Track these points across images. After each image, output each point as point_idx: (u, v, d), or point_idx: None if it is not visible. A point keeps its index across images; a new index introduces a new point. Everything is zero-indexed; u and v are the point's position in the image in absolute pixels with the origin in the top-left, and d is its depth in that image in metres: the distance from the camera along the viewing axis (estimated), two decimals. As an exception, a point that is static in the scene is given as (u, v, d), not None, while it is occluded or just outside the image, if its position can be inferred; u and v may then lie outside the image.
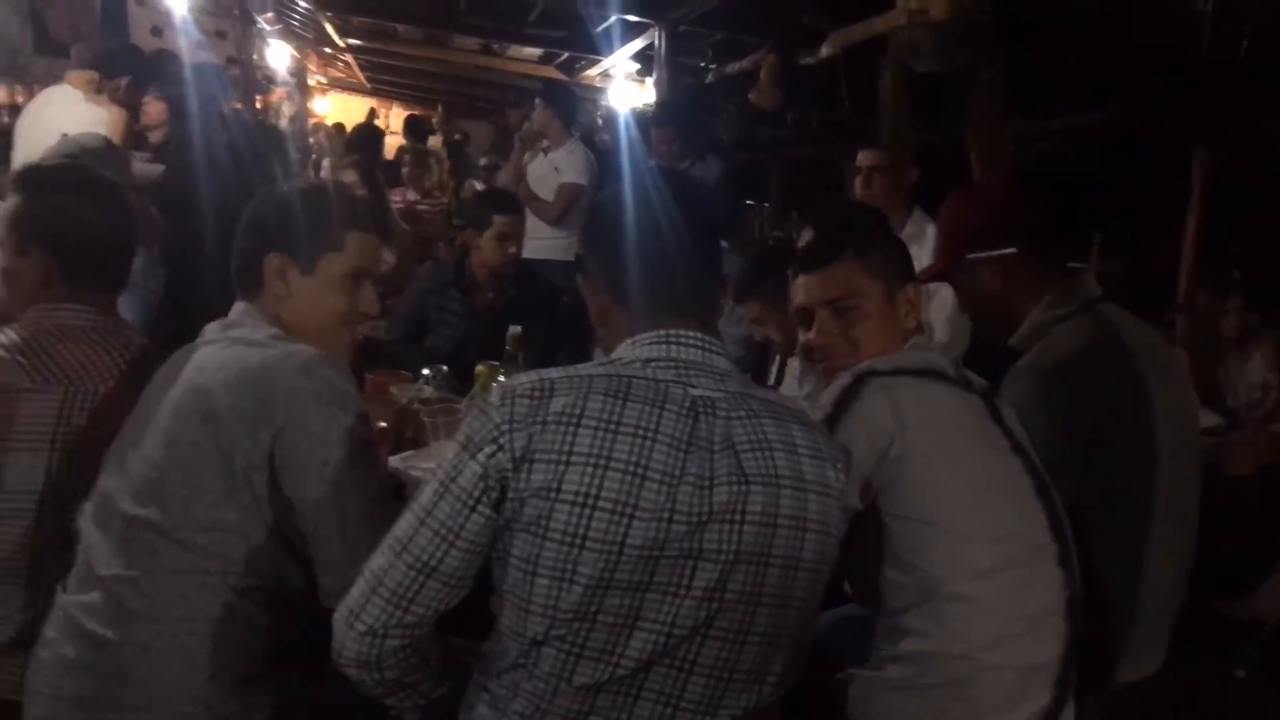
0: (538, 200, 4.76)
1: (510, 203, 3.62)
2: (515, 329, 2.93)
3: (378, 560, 1.28)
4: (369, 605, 1.26)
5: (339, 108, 15.03)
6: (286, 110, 10.74)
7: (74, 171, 1.94)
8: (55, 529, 1.67)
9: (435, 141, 10.85)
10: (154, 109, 5.01)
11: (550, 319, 3.43)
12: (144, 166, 4.58)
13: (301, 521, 1.50)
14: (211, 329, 1.65)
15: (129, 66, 4.27)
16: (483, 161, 9.46)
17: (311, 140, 10.26)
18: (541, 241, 4.63)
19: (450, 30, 8.30)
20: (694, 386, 1.30)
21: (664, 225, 1.36)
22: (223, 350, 1.56)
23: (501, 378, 2.75)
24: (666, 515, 1.22)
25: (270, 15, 9.72)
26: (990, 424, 1.66)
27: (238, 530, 1.48)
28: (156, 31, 8.27)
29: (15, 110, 5.28)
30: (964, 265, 2.07)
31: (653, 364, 1.30)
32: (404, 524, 1.28)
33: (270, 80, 11.10)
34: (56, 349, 1.75)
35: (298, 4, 9.14)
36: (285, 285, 1.64)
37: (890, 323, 1.75)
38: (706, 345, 1.34)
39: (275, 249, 1.64)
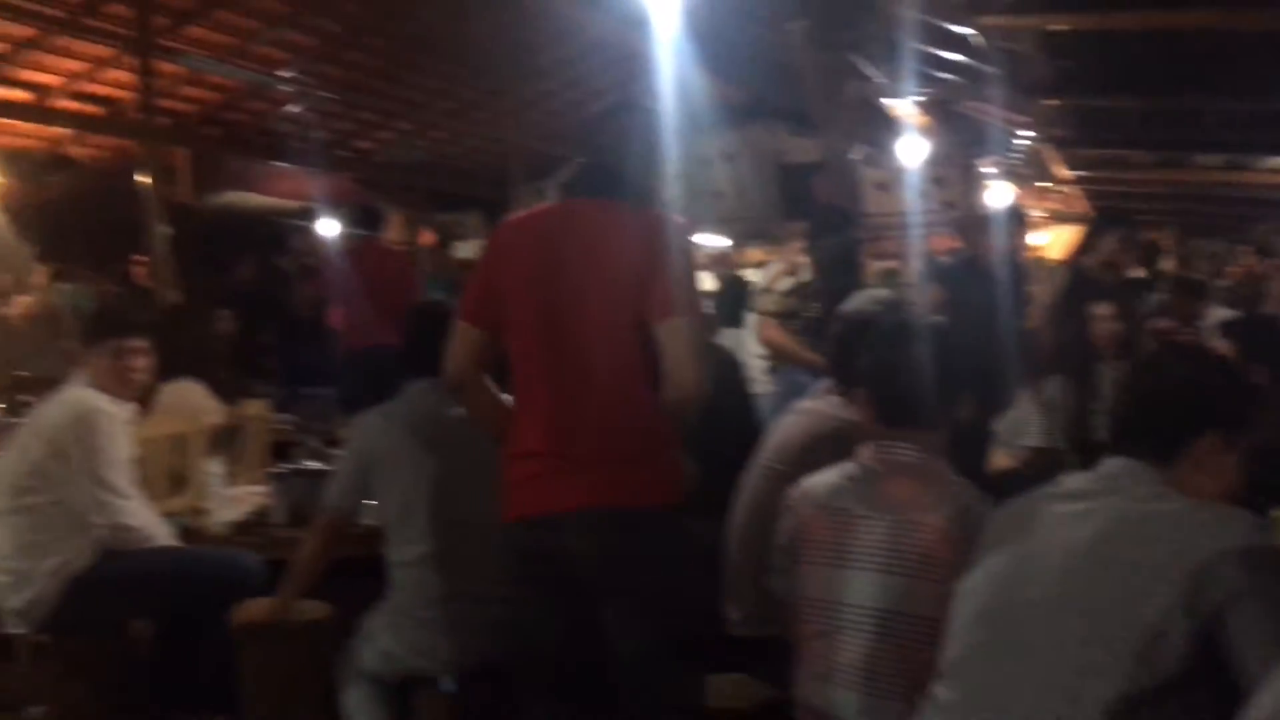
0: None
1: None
2: None
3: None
4: None
5: (1055, 239, 14.88)
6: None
7: (901, 328, 2.19)
8: (891, 642, 1.88)
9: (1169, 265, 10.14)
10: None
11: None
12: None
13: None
14: (1084, 481, 1.65)
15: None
16: (1220, 283, 8.63)
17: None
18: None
19: (1191, 150, 7.85)
20: None
21: None
22: (1123, 504, 1.55)
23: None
24: None
25: (991, 159, 10.09)
26: None
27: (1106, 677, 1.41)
28: (882, 187, 9.07)
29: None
30: None
31: None
32: None
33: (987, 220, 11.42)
34: (884, 481, 2.00)
35: (1020, 144, 9.38)
36: (1210, 463, 1.61)
37: None
38: None
39: (1215, 426, 1.62)
